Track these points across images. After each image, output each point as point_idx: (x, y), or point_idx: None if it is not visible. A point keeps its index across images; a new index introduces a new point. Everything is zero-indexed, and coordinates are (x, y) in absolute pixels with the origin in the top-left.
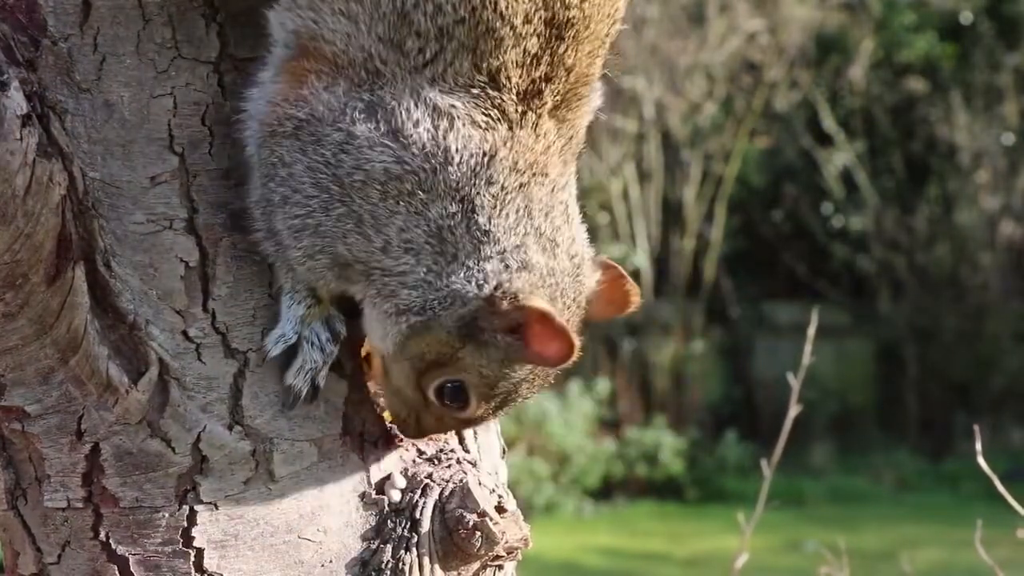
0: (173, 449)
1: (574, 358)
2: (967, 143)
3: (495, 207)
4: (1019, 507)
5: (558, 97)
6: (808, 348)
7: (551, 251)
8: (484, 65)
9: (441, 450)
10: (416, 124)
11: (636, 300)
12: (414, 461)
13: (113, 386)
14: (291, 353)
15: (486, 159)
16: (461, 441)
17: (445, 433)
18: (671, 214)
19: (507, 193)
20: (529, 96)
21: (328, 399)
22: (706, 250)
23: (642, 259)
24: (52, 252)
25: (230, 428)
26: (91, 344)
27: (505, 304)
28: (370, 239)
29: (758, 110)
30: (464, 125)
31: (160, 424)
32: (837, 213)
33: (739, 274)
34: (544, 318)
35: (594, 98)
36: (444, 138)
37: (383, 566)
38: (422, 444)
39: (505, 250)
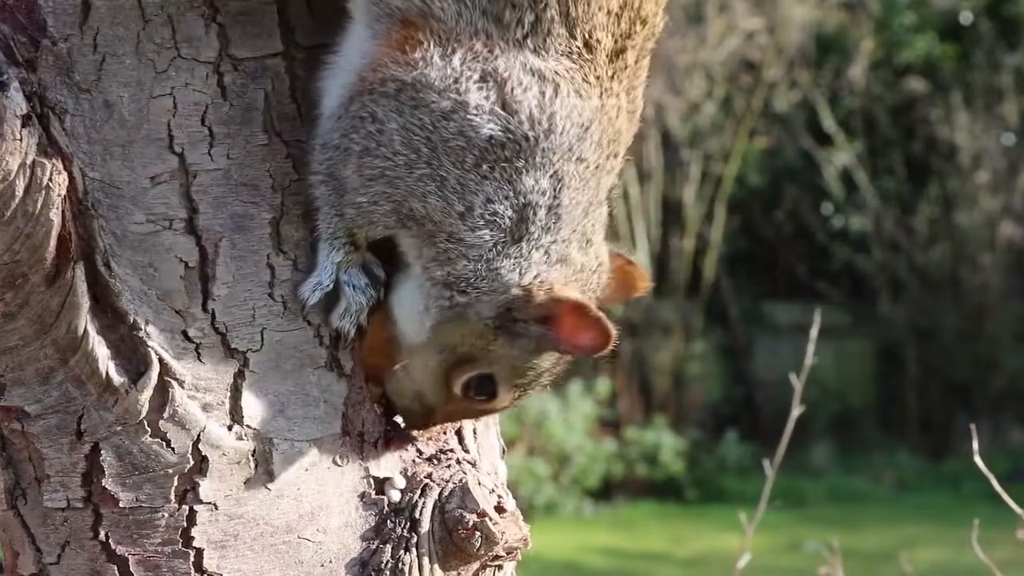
0: (173, 449)
1: (610, 346)
2: (967, 143)
3: (577, 189)
4: (1018, 508)
5: (637, 53)
6: (811, 348)
7: (586, 249)
8: (578, 31)
9: (441, 450)
10: (525, 91)
11: (645, 284)
12: (414, 461)
13: (113, 386)
14: (331, 299)
15: (583, 131)
16: (461, 441)
17: (456, 421)
18: (671, 214)
19: (589, 174)
20: (616, 55)
21: (327, 399)
22: (706, 250)
23: (642, 259)
24: (52, 252)
25: (230, 428)
26: (91, 344)
27: (541, 294)
28: (451, 203)
29: (758, 110)
30: (568, 93)
31: (160, 424)
32: (837, 213)
33: (739, 274)
34: (578, 308)
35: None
36: (551, 104)
37: (383, 566)
38: (421, 444)
39: (555, 241)
